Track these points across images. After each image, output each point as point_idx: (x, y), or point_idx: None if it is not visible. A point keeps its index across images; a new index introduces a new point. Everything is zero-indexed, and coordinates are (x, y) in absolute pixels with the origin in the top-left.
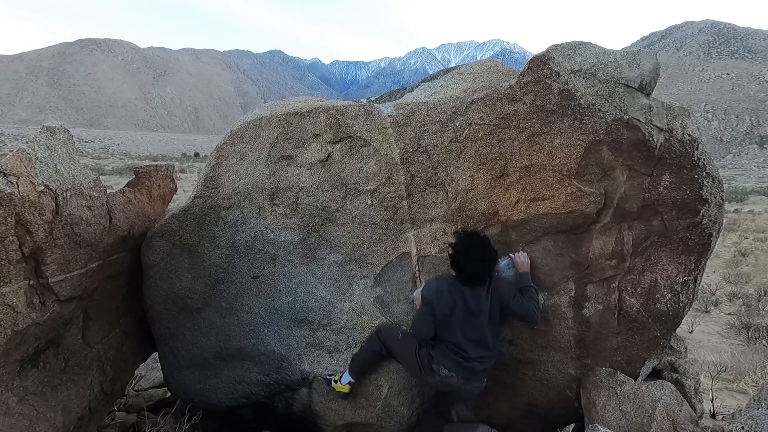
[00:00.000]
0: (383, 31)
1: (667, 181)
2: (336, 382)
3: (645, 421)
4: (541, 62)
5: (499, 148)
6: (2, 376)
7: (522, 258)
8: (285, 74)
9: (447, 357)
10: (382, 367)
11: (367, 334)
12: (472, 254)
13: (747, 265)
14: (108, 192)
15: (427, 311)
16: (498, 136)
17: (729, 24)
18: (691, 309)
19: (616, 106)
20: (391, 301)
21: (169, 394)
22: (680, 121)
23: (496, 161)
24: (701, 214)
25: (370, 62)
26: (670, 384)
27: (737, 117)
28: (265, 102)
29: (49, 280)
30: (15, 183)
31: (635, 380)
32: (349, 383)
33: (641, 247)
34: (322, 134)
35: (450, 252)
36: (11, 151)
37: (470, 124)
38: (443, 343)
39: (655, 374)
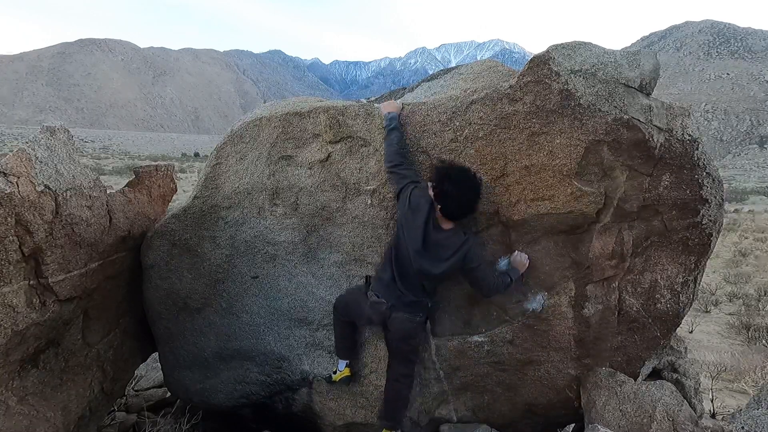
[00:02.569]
0: (383, 31)
1: (667, 181)
2: (335, 373)
3: (645, 421)
4: (541, 62)
5: (499, 148)
6: (2, 376)
7: (520, 258)
8: (285, 74)
9: (380, 282)
10: (382, 367)
11: (367, 334)
12: (456, 183)
13: (747, 265)
14: (108, 192)
15: (402, 185)
16: (498, 136)
17: (729, 24)
18: (691, 309)
19: (616, 106)
20: None
21: (169, 394)
22: (680, 121)
23: (496, 161)
24: (701, 214)
25: (370, 62)
26: (670, 384)
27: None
28: (265, 102)
29: (49, 280)
30: (15, 183)
31: (635, 380)
32: (346, 366)
33: (641, 247)
34: (322, 134)
35: (432, 184)
36: (11, 151)
37: (470, 124)
38: (383, 264)
39: (655, 374)
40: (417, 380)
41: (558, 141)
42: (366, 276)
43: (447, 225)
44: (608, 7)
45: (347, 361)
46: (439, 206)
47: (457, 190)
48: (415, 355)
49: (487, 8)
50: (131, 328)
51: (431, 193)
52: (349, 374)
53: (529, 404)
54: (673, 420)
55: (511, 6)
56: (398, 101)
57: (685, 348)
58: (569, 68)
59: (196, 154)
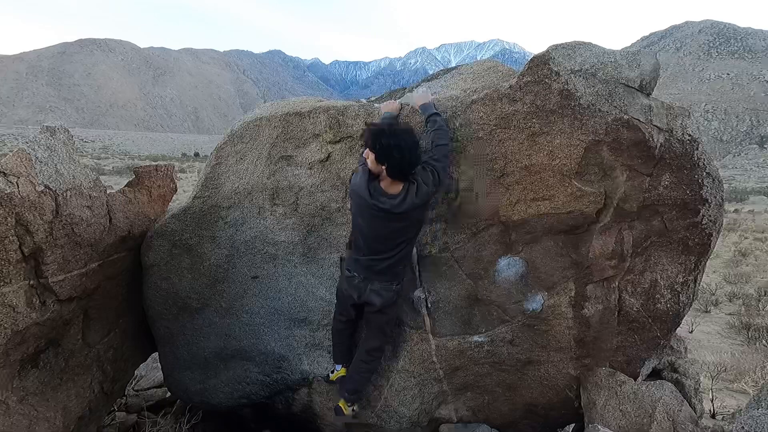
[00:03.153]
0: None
1: (667, 181)
2: (332, 373)
3: (645, 421)
4: (541, 62)
5: (499, 148)
6: (2, 376)
7: (419, 92)
8: (285, 74)
9: (350, 258)
10: (382, 367)
11: None
12: (395, 136)
13: (747, 265)
14: (108, 192)
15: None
16: (498, 136)
17: (729, 24)
18: (691, 309)
19: (616, 106)
20: None
21: (169, 394)
22: (680, 121)
23: (496, 161)
24: (701, 214)
25: (370, 62)
26: (670, 384)
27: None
28: (265, 102)
29: (49, 280)
30: (15, 183)
31: (635, 380)
32: (342, 367)
33: (641, 247)
34: (322, 134)
35: (370, 146)
36: (11, 151)
37: (470, 124)
38: (352, 240)
39: (655, 374)
40: (384, 359)
41: (558, 141)
42: (339, 257)
43: (395, 188)
44: (608, 7)
45: (342, 366)
46: (384, 166)
47: (399, 142)
48: (389, 327)
49: (487, 8)
50: (131, 328)
51: (371, 159)
52: (344, 374)
53: (529, 404)
54: (673, 420)
55: (511, 6)
56: (398, 101)
57: (685, 348)
58: (569, 68)
59: (196, 154)
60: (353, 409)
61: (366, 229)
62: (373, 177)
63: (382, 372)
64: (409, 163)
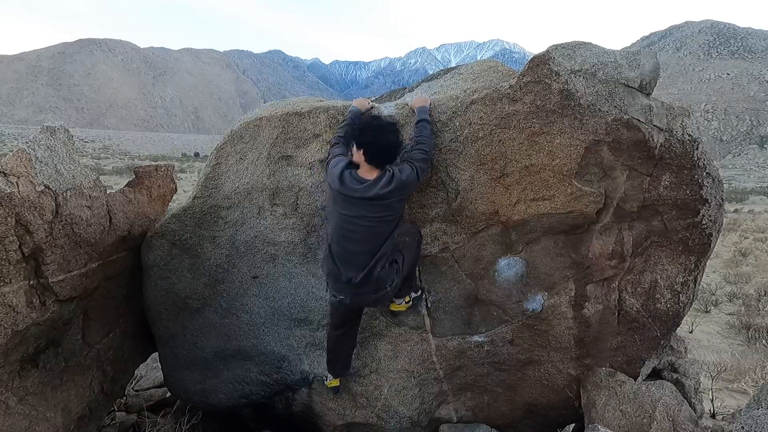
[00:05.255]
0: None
1: (667, 181)
2: (327, 379)
3: (645, 421)
4: (541, 62)
5: (499, 148)
6: (2, 376)
7: (418, 94)
8: (285, 74)
9: (330, 277)
10: (382, 367)
11: (366, 334)
12: (378, 129)
13: (747, 265)
14: (108, 192)
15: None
16: (498, 136)
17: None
18: (691, 309)
19: (616, 106)
20: None
21: (169, 394)
22: (680, 121)
23: (496, 161)
24: (701, 214)
25: (370, 62)
26: (670, 384)
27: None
28: (265, 102)
29: (49, 280)
30: (15, 183)
31: (635, 380)
32: (336, 378)
33: (641, 247)
34: (322, 134)
35: (352, 135)
36: (11, 151)
37: (470, 124)
38: (323, 259)
39: (655, 374)
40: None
41: (558, 141)
42: (320, 266)
43: (372, 174)
44: (608, 7)
45: (334, 377)
46: (362, 153)
47: (379, 129)
48: (415, 244)
49: (487, 8)
50: (131, 328)
51: (353, 150)
52: (338, 384)
53: (529, 404)
54: (673, 420)
55: (511, 6)
56: (398, 101)
57: (685, 348)
58: (569, 68)
59: (196, 154)
60: (407, 301)
61: (338, 215)
62: (350, 164)
63: (383, 373)
64: (386, 148)
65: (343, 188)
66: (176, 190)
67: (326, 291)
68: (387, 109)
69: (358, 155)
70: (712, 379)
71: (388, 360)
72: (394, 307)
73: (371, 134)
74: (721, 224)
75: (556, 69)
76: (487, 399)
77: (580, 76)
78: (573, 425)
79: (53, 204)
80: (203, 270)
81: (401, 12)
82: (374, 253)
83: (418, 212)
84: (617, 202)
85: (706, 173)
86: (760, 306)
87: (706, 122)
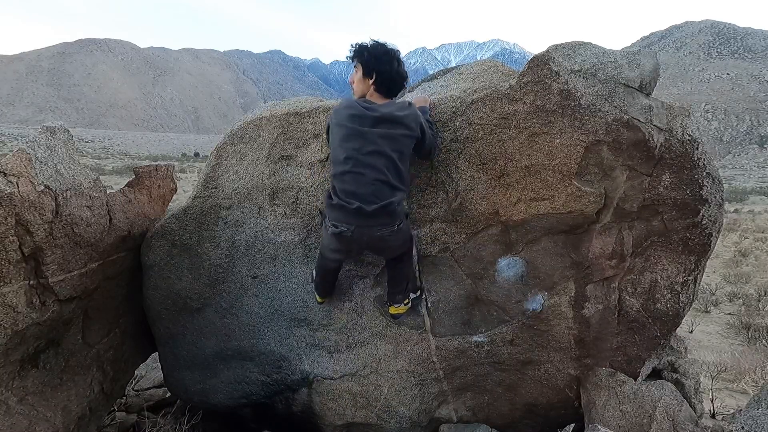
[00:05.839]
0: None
1: (667, 181)
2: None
3: (645, 421)
4: (541, 62)
5: (499, 148)
6: (2, 376)
7: (419, 94)
8: (285, 74)
9: (332, 208)
10: (383, 367)
11: (367, 335)
12: (381, 49)
13: (747, 265)
14: (108, 192)
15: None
16: (498, 136)
17: (729, 24)
18: (691, 309)
19: (616, 106)
20: None
21: (169, 394)
22: (680, 121)
23: (496, 161)
24: (701, 214)
25: None
26: (670, 384)
27: (737, 117)
28: (265, 102)
29: (49, 280)
30: (15, 183)
31: (635, 380)
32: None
33: (641, 247)
34: (322, 134)
35: (357, 54)
36: (11, 151)
37: (470, 124)
38: (329, 191)
39: (655, 374)
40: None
41: (558, 141)
42: (318, 211)
43: (381, 100)
44: (608, 7)
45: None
46: (374, 80)
47: (387, 51)
48: (409, 242)
49: (487, 8)
50: (131, 328)
51: (357, 77)
52: (321, 301)
53: (529, 404)
54: (673, 420)
55: (511, 6)
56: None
57: (685, 348)
58: (569, 68)
59: (196, 154)
60: (405, 303)
61: (349, 150)
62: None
63: (383, 373)
64: (398, 74)
65: (355, 110)
66: (176, 190)
67: (321, 225)
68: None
69: (365, 84)
70: (712, 379)
71: (388, 360)
72: (393, 310)
73: (387, 62)
74: (721, 224)
75: (556, 69)
76: (487, 399)
77: (580, 76)
78: (573, 425)
79: (53, 204)
80: (203, 270)
81: (401, 12)
82: (390, 183)
83: (418, 212)
84: (617, 202)
85: (706, 173)
86: (760, 306)
87: (706, 122)
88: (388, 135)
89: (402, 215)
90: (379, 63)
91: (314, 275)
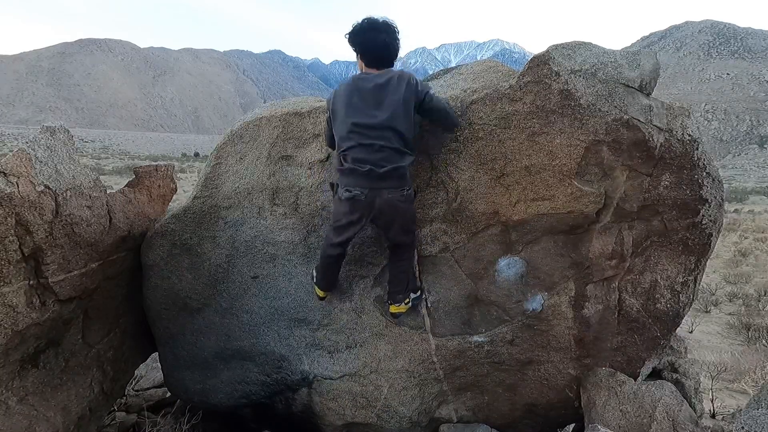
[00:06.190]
0: None
1: (667, 181)
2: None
3: (645, 421)
4: (541, 62)
5: (499, 148)
6: (2, 376)
7: None
8: (285, 74)
9: (344, 174)
10: (383, 367)
11: (366, 335)
12: (373, 29)
13: (747, 265)
14: (108, 192)
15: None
16: (498, 136)
17: (729, 24)
18: (691, 309)
19: (616, 106)
20: None
21: (169, 394)
22: (680, 121)
23: (496, 161)
24: (701, 214)
25: None
26: (670, 384)
27: (737, 117)
28: (265, 102)
29: (49, 280)
30: (15, 183)
31: (635, 380)
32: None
33: (641, 247)
34: (322, 134)
35: (347, 40)
36: (11, 151)
37: (470, 124)
38: (341, 159)
39: (655, 374)
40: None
41: (558, 141)
42: (330, 184)
43: (376, 72)
44: (608, 7)
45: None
46: (360, 56)
47: (374, 33)
48: (414, 227)
49: (487, 8)
50: (131, 328)
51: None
52: (323, 296)
53: (529, 404)
54: (673, 420)
55: (511, 6)
56: None
57: (685, 348)
58: (569, 68)
59: (196, 154)
60: (406, 302)
61: (351, 124)
62: None
63: (383, 373)
64: (381, 43)
65: (351, 85)
66: (176, 190)
67: (332, 192)
68: None
69: (359, 63)
70: (712, 379)
71: (388, 360)
72: (393, 309)
73: (364, 33)
74: (721, 224)
75: (556, 69)
76: (487, 399)
77: (580, 76)
78: (573, 425)
79: (53, 204)
80: (203, 270)
81: (401, 12)
82: (397, 149)
83: (418, 212)
84: (617, 202)
85: (706, 173)
86: (760, 306)
87: (706, 122)
88: (386, 101)
89: (410, 182)
90: (357, 37)
91: (315, 273)
